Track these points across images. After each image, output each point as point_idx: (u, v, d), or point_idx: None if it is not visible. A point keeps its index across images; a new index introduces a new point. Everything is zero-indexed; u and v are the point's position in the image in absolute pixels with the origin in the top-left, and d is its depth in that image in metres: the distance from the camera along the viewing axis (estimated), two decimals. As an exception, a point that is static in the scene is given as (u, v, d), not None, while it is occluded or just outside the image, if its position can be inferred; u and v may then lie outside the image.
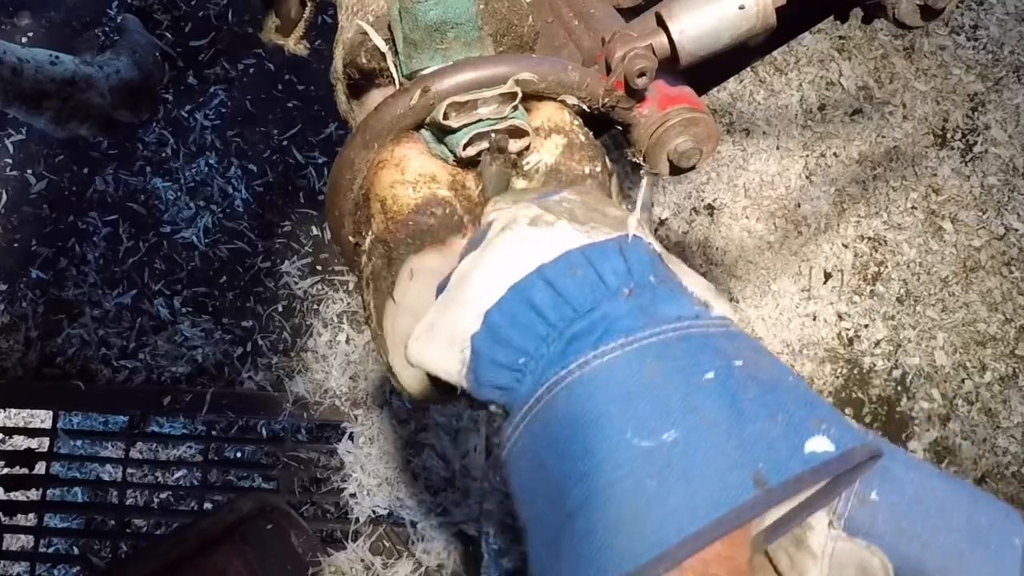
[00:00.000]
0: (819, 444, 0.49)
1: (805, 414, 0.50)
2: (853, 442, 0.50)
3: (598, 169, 0.68)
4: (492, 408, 0.56)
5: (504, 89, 0.64)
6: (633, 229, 0.57)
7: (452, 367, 0.57)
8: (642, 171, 0.76)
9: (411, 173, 0.65)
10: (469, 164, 0.67)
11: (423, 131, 0.67)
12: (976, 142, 2.36)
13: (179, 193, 2.20)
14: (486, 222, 0.59)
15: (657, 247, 0.59)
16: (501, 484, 1.91)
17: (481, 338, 0.55)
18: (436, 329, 0.57)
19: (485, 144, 0.65)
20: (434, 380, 0.62)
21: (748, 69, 2.36)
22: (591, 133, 0.70)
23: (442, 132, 0.65)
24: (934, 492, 0.59)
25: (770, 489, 0.47)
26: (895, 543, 0.58)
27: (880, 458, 0.52)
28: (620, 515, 0.47)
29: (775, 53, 2.36)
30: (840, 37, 2.42)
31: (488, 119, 0.64)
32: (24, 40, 2.28)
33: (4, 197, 2.20)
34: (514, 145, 0.66)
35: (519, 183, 0.68)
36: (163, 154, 2.23)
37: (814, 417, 0.50)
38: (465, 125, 0.64)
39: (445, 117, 0.64)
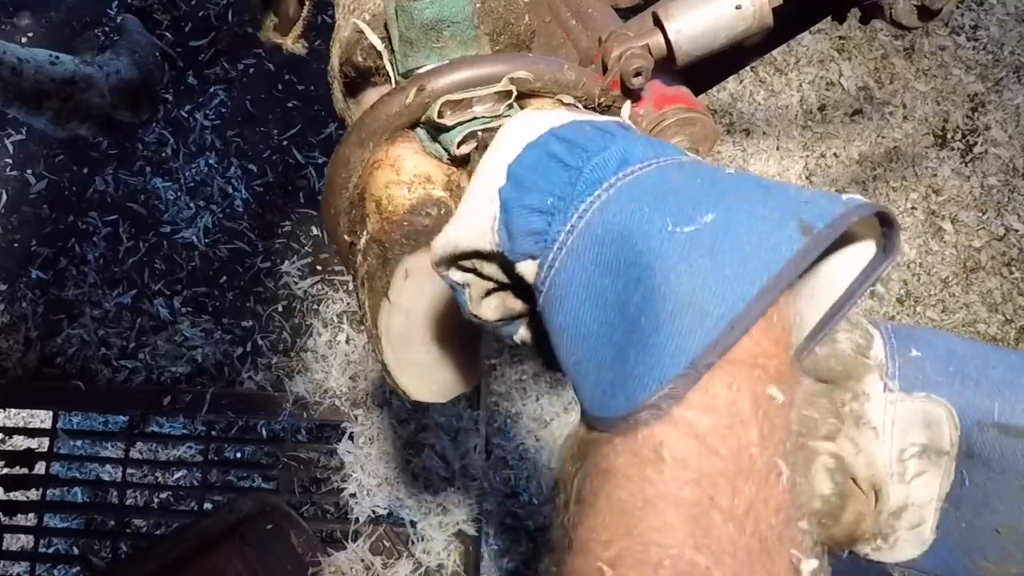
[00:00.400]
0: (854, 197, 0.50)
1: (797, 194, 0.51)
2: (863, 202, 0.50)
3: None
4: (524, 267, 0.55)
5: (499, 87, 0.64)
6: (626, 113, 0.59)
7: (484, 225, 0.56)
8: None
9: (406, 173, 0.65)
10: (464, 163, 0.67)
11: (418, 129, 0.67)
12: (976, 143, 2.35)
13: (179, 193, 2.20)
14: None
15: None
16: (501, 484, 1.91)
17: (508, 189, 0.55)
18: (459, 213, 0.57)
19: (478, 142, 0.65)
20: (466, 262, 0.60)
21: (748, 69, 2.36)
22: None
23: (436, 130, 0.65)
24: (962, 343, 0.61)
25: (818, 233, 0.47)
26: (951, 388, 0.59)
27: (898, 229, 0.53)
28: (681, 301, 0.47)
29: (775, 53, 2.36)
30: (840, 37, 2.42)
31: (483, 117, 0.64)
32: (24, 40, 2.29)
33: (4, 197, 2.20)
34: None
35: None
36: (163, 154, 2.23)
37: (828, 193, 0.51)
38: (460, 123, 0.64)
39: (440, 115, 0.64)
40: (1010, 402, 0.58)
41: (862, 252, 0.55)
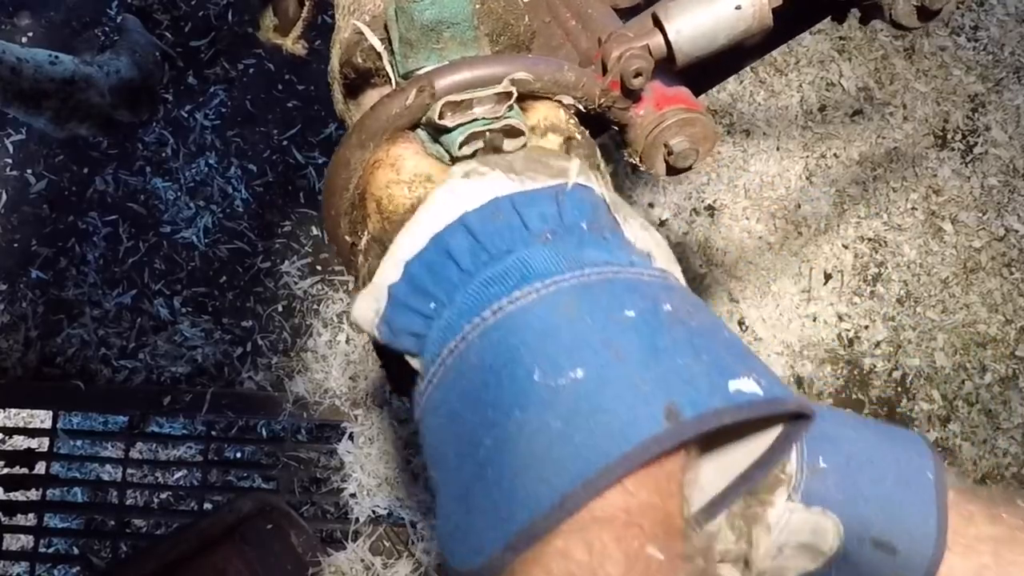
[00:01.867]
0: (745, 385, 0.47)
1: (734, 360, 0.48)
2: (784, 394, 0.48)
3: (595, 167, 0.69)
4: (412, 360, 0.54)
5: (499, 88, 0.64)
6: (575, 177, 0.55)
7: (369, 316, 0.55)
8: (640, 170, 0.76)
9: (406, 173, 0.65)
10: (464, 164, 0.67)
11: (419, 131, 0.67)
12: (976, 143, 2.35)
13: (179, 193, 2.20)
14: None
15: (608, 195, 0.57)
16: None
17: (398, 287, 0.54)
18: (367, 288, 0.57)
19: (480, 143, 0.65)
20: (385, 358, 0.59)
21: (748, 69, 2.36)
22: (587, 132, 0.70)
23: (437, 132, 0.65)
24: (863, 444, 0.63)
25: (682, 422, 0.44)
26: (844, 504, 0.61)
27: (812, 418, 0.50)
28: (526, 461, 0.44)
29: (775, 54, 2.36)
30: (840, 38, 2.42)
31: (483, 118, 0.64)
32: (24, 40, 2.29)
33: (4, 197, 2.20)
34: (509, 145, 0.66)
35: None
36: (163, 154, 2.23)
37: (744, 366, 0.48)
38: (460, 124, 0.64)
39: (440, 116, 0.64)
40: (889, 520, 0.61)
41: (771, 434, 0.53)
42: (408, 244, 0.55)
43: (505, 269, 0.50)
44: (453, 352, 0.50)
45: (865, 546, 0.61)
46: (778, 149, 2.33)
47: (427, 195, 0.56)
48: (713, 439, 0.51)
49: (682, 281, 0.55)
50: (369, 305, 0.55)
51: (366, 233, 0.68)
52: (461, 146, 0.64)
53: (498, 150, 0.64)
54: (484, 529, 0.45)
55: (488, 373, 0.48)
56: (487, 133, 0.64)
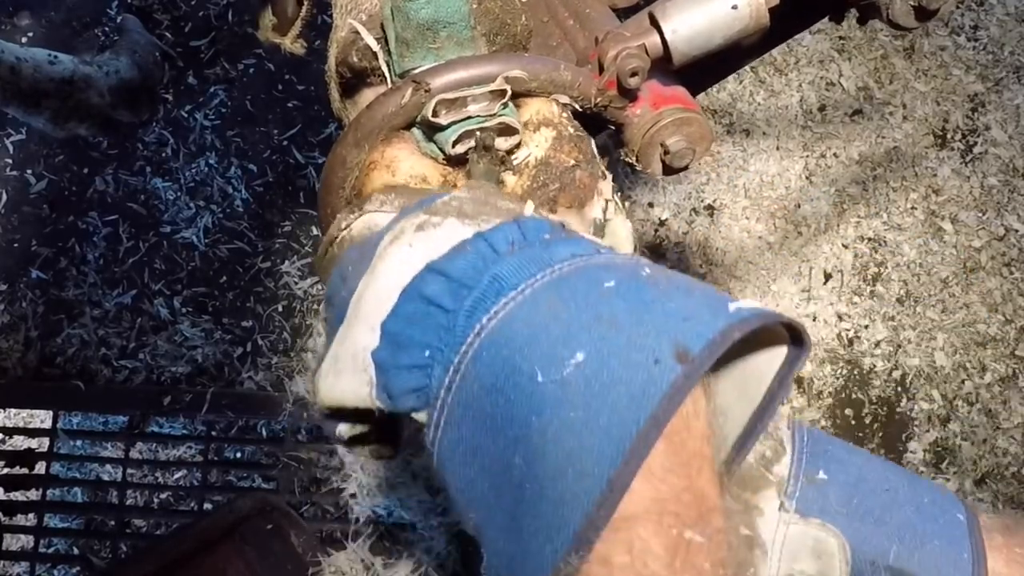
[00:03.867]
0: (744, 304, 0.47)
1: (723, 296, 0.48)
2: (767, 311, 0.47)
3: (587, 160, 0.69)
4: (416, 416, 0.52)
5: (493, 86, 0.65)
6: (528, 210, 0.55)
7: (363, 391, 0.52)
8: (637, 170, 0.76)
9: (402, 174, 0.65)
10: (459, 162, 0.67)
11: (414, 129, 0.67)
12: (976, 143, 2.35)
13: (179, 193, 2.20)
14: (378, 235, 0.56)
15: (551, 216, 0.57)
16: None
17: (382, 351, 0.51)
18: (340, 359, 0.53)
19: (474, 142, 0.65)
20: (354, 413, 0.56)
21: (748, 69, 2.36)
22: (580, 125, 0.70)
23: (432, 130, 0.65)
24: (877, 472, 0.59)
25: (695, 357, 0.43)
26: (849, 521, 0.57)
27: (809, 344, 0.50)
28: (561, 463, 0.43)
29: (775, 53, 2.36)
30: (840, 37, 2.42)
31: (477, 116, 0.64)
32: (24, 40, 2.29)
33: (4, 197, 2.20)
34: (503, 143, 0.66)
35: (509, 179, 0.68)
36: (163, 154, 2.23)
37: (734, 299, 0.48)
38: (454, 122, 0.64)
39: (435, 115, 0.64)
40: (908, 548, 0.56)
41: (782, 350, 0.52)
42: (374, 305, 0.52)
43: (482, 292, 0.49)
44: (451, 389, 0.49)
45: (879, 574, 0.56)
46: (778, 149, 2.33)
47: (374, 254, 0.53)
48: (725, 360, 0.50)
49: None
50: (356, 380, 0.52)
51: (363, 233, 0.68)
52: (455, 144, 0.64)
53: (489, 149, 0.64)
54: (541, 546, 0.43)
55: (493, 394, 0.47)
56: (478, 132, 0.64)
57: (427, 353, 0.50)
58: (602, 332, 0.45)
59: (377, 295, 0.52)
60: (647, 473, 0.43)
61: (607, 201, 0.69)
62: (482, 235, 0.51)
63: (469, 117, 0.64)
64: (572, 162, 0.67)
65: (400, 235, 0.53)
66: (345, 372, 0.52)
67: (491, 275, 0.49)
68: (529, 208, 0.56)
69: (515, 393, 0.46)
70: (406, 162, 0.66)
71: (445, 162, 0.67)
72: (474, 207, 0.54)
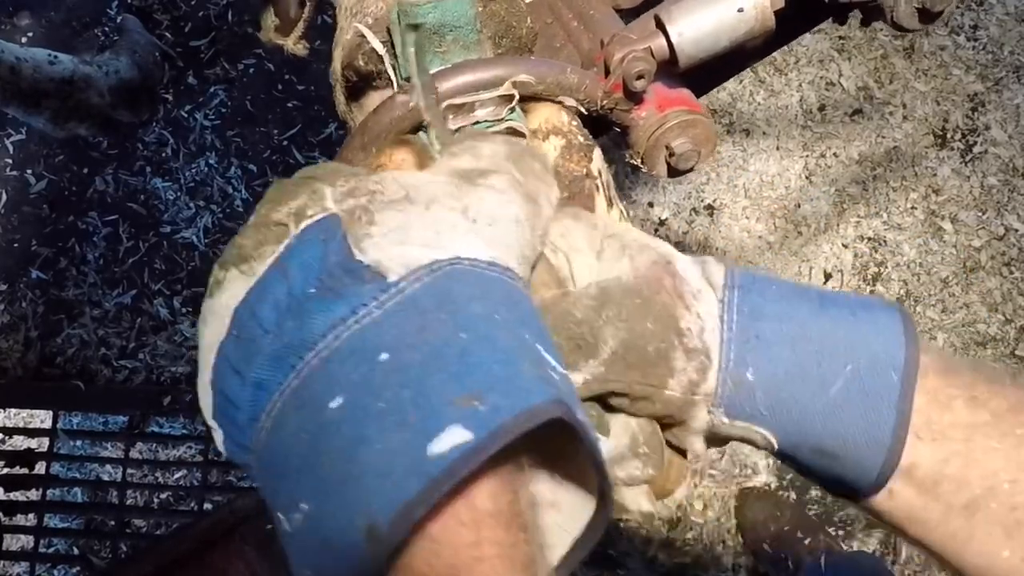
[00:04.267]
0: (449, 439, 0.42)
1: (455, 391, 0.44)
2: (508, 411, 0.43)
3: (596, 169, 0.69)
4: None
5: (501, 91, 0.64)
6: (295, 233, 0.50)
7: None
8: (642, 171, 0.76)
9: None
10: (467, 167, 0.67)
11: (420, 134, 0.67)
12: (976, 142, 2.36)
13: (179, 193, 2.20)
14: None
15: (353, 199, 0.51)
16: None
17: (224, 442, 0.52)
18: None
19: (482, 147, 0.65)
20: None
21: (748, 69, 2.37)
22: (590, 134, 0.70)
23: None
24: (813, 343, 0.57)
25: (382, 537, 0.42)
26: (776, 416, 0.57)
27: (565, 412, 0.45)
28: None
29: (775, 54, 2.36)
30: (840, 37, 2.42)
31: (485, 121, 0.64)
32: (24, 40, 2.29)
33: (4, 197, 2.20)
34: (511, 148, 0.66)
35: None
36: (163, 154, 2.23)
37: (466, 392, 0.44)
38: (462, 127, 0.64)
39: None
40: (831, 433, 0.56)
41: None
42: (204, 398, 0.51)
43: (252, 402, 0.48)
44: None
45: (802, 451, 0.57)
46: (778, 149, 2.33)
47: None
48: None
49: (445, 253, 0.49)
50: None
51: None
52: (463, 149, 0.64)
53: None
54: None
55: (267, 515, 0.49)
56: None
57: (249, 456, 0.50)
58: (321, 480, 0.44)
59: (204, 369, 0.51)
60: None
61: (614, 206, 0.69)
62: (251, 305, 0.49)
63: (477, 122, 0.64)
64: (582, 171, 0.67)
65: (207, 299, 0.52)
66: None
67: (254, 379, 0.47)
68: (292, 224, 0.50)
69: (278, 535, 0.48)
70: (414, 168, 0.66)
71: (452, 166, 0.67)
72: (253, 243, 0.51)
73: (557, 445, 0.50)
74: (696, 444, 0.59)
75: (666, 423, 0.59)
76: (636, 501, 0.59)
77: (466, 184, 0.52)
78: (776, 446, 0.58)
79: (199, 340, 0.51)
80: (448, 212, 0.51)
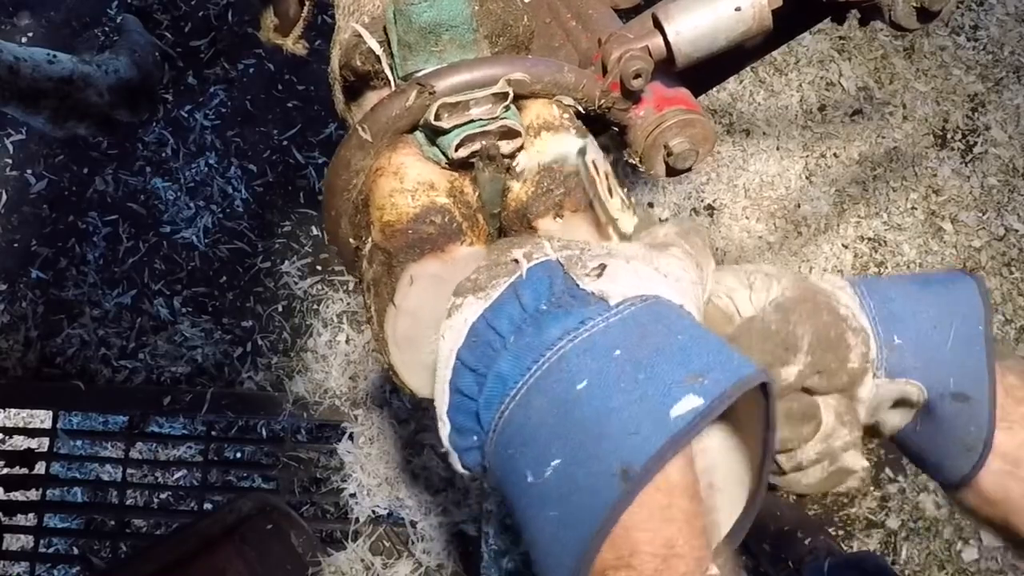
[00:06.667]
0: (686, 404, 0.54)
1: (681, 374, 0.56)
2: (728, 381, 0.55)
3: (591, 161, 0.68)
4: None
5: (495, 89, 0.64)
6: (527, 266, 0.62)
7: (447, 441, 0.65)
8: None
9: (409, 181, 0.65)
10: (463, 166, 0.67)
11: (417, 133, 0.67)
12: (976, 143, 2.35)
13: (179, 193, 2.20)
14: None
15: (568, 251, 0.64)
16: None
17: (453, 434, 0.64)
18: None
19: (477, 146, 0.64)
20: None
21: (748, 69, 2.36)
22: (582, 124, 0.70)
23: (435, 134, 0.65)
24: (928, 313, 0.73)
25: (635, 476, 0.52)
26: (924, 370, 0.72)
27: (766, 384, 0.58)
28: (543, 550, 0.56)
29: (775, 54, 2.36)
30: (840, 37, 2.42)
31: (480, 119, 0.64)
32: (24, 40, 2.29)
33: (4, 197, 2.20)
34: (507, 146, 0.66)
35: (515, 186, 0.67)
36: (163, 154, 2.23)
37: (690, 373, 0.56)
38: (457, 126, 0.64)
39: (437, 118, 0.63)
40: (960, 375, 0.72)
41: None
42: (441, 397, 0.63)
43: (491, 390, 0.60)
44: (485, 470, 0.62)
45: (945, 400, 0.72)
46: (778, 149, 2.33)
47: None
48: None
49: (661, 288, 0.62)
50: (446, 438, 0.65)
51: (370, 240, 0.68)
52: (457, 148, 0.64)
53: (493, 159, 0.64)
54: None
55: (503, 485, 0.60)
56: (482, 143, 0.64)
57: (475, 438, 0.62)
58: (575, 443, 0.55)
59: (441, 387, 0.64)
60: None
61: (620, 200, 0.69)
62: (489, 322, 0.61)
63: (471, 121, 0.64)
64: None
65: (442, 324, 0.64)
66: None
67: (495, 373, 0.60)
68: (523, 261, 0.62)
69: (514, 489, 0.59)
70: (413, 168, 0.65)
71: (449, 166, 0.67)
72: (487, 276, 0.63)
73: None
74: (862, 412, 0.74)
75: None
76: (855, 461, 0.73)
77: (654, 251, 0.66)
78: (926, 395, 0.72)
79: (438, 353, 0.63)
80: (645, 266, 0.63)
